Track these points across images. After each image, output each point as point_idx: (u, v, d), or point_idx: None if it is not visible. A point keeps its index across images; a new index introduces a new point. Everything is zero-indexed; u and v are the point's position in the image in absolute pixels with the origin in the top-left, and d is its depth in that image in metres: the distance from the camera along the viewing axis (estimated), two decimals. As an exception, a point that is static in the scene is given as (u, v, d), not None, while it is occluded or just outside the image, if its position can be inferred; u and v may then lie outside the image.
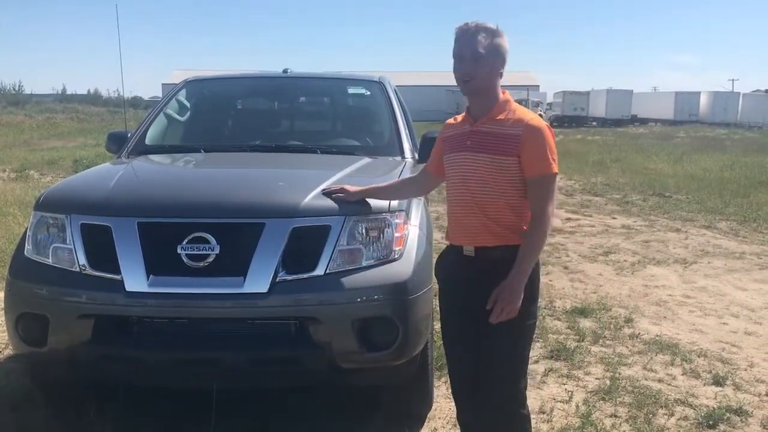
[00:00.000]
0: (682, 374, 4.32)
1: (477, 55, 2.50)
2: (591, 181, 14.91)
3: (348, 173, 3.57)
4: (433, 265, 2.95)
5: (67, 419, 3.39)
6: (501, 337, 2.55)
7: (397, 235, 3.12)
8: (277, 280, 2.90)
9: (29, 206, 7.89)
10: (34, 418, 3.48)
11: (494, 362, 2.60)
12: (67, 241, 3.06)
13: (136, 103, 55.78)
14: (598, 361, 4.48)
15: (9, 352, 4.34)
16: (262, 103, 5.63)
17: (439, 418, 3.62)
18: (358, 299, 2.96)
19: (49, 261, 3.09)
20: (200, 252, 2.92)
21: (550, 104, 58.53)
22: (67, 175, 9.90)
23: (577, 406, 3.78)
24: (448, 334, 2.80)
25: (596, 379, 4.19)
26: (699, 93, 55.72)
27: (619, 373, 4.25)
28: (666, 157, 21.21)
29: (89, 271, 2.99)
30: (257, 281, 2.88)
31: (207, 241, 2.92)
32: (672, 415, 3.74)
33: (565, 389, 4.01)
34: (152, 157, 4.32)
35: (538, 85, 68.63)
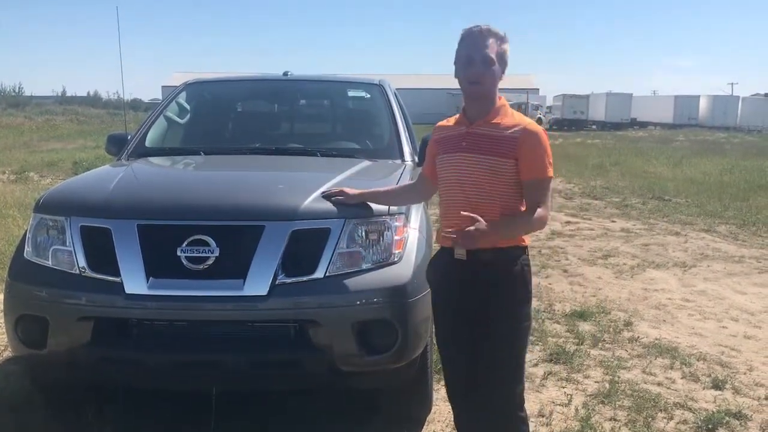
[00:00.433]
0: (682, 378, 4.32)
1: (488, 60, 2.52)
2: (590, 185, 14.92)
3: (348, 176, 3.57)
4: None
5: (67, 421, 3.39)
6: (496, 340, 2.56)
7: (396, 238, 3.12)
8: (277, 282, 2.90)
9: (29, 208, 7.90)
10: (34, 420, 3.48)
11: (490, 365, 2.60)
12: (67, 243, 3.06)
13: (136, 105, 55.75)
14: (597, 364, 4.48)
15: (8, 354, 4.34)
16: (262, 105, 5.63)
17: (439, 421, 3.62)
18: (358, 302, 2.96)
19: (49, 263, 3.09)
20: (200, 254, 2.92)
21: (549, 107, 58.58)
22: (67, 177, 9.90)
23: (577, 410, 3.78)
24: (442, 336, 2.80)
25: (595, 382, 4.19)
26: (698, 96, 55.82)
27: (619, 377, 4.25)
28: (665, 160, 21.24)
29: (89, 273, 2.99)
30: (257, 284, 2.89)
31: (207, 244, 2.93)
32: (671, 418, 3.74)
33: (565, 392, 4.01)
34: (152, 159, 4.32)
35: (538, 89, 68.67)
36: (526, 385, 4.04)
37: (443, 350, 2.82)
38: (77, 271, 3.00)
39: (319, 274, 2.95)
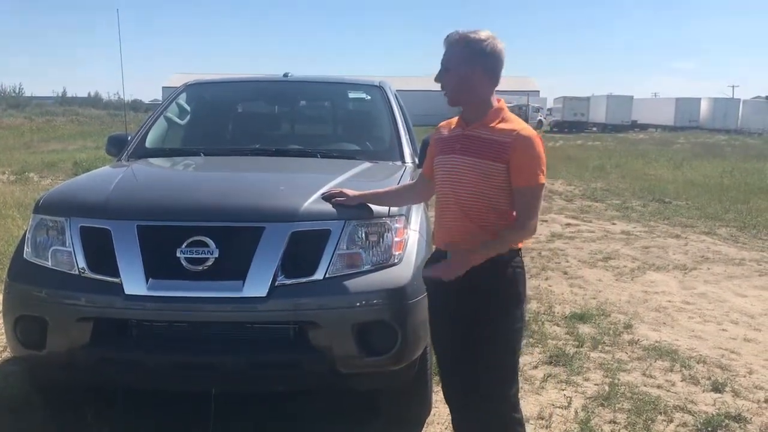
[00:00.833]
0: (681, 380, 4.31)
1: (446, 66, 2.58)
2: (591, 187, 14.92)
3: (348, 177, 3.57)
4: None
5: (66, 422, 3.39)
6: (490, 342, 2.56)
7: (396, 239, 3.12)
8: (276, 284, 2.90)
9: (28, 209, 7.90)
10: (33, 420, 3.47)
11: (484, 366, 2.60)
12: (67, 244, 3.06)
13: (136, 106, 55.79)
14: (597, 367, 4.48)
15: (7, 354, 4.33)
16: (262, 106, 5.63)
17: (438, 423, 3.61)
18: (358, 303, 2.96)
19: (49, 264, 3.09)
20: (199, 255, 2.92)
21: (550, 110, 58.59)
22: (67, 178, 9.90)
23: (576, 412, 3.77)
24: (437, 338, 2.80)
25: (595, 385, 4.19)
26: (699, 99, 55.77)
27: (618, 379, 4.24)
28: (666, 163, 21.24)
29: (88, 274, 2.99)
30: (256, 285, 2.88)
31: (206, 245, 2.92)
32: (671, 421, 3.74)
33: (564, 395, 4.01)
34: (152, 160, 4.32)
35: (538, 91, 68.78)
36: (526, 387, 4.06)
37: (438, 353, 2.82)
38: (77, 272, 3.00)
39: (318, 275, 2.95)
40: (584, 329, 5.22)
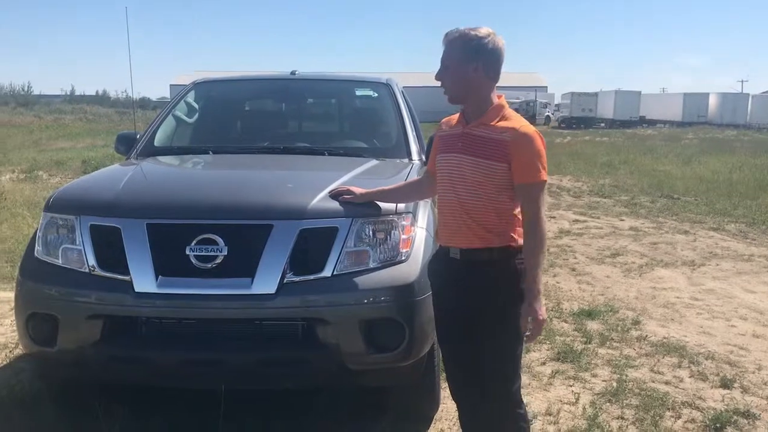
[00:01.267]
0: (690, 377, 4.31)
1: (446, 64, 2.58)
2: (599, 183, 14.88)
3: (355, 175, 3.58)
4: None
5: (76, 419, 3.41)
6: (491, 339, 2.57)
7: (404, 236, 3.13)
8: (285, 281, 2.92)
9: (38, 207, 7.96)
10: (44, 417, 3.50)
11: (487, 362, 2.61)
12: (77, 242, 3.08)
13: (144, 104, 56.04)
14: (605, 363, 4.48)
15: (19, 351, 4.38)
16: (270, 104, 5.65)
17: (446, 419, 3.62)
18: (366, 300, 2.97)
19: (59, 262, 3.12)
20: (208, 253, 2.94)
21: (558, 105, 58.42)
22: (76, 176, 9.96)
23: (584, 408, 3.78)
24: (441, 334, 2.82)
25: (603, 381, 4.19)
26: (708, 94, 55.50)
27: (626, 376, 4.24)
28: (674, 158, 21.15)
29: (98, 271, 3.01)
30: (265, 282, 2.90)
31: (215, 243, 2.94)
32: (679, 417, 3.74)
33: (572, 391, 4.01)
34: (161, 158, 4.35)
35: (546, 86, 68.54)
36: (534, 383, 4.07)
37: (443, 349, 2.84)
38: (87, 270, 3.03)
39: (326, 272, 2.96)
40: (592, 326, 5.22)
